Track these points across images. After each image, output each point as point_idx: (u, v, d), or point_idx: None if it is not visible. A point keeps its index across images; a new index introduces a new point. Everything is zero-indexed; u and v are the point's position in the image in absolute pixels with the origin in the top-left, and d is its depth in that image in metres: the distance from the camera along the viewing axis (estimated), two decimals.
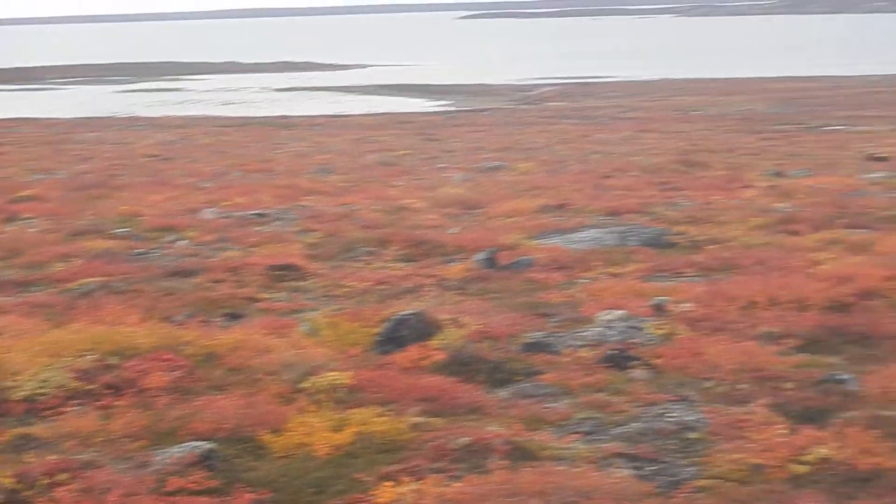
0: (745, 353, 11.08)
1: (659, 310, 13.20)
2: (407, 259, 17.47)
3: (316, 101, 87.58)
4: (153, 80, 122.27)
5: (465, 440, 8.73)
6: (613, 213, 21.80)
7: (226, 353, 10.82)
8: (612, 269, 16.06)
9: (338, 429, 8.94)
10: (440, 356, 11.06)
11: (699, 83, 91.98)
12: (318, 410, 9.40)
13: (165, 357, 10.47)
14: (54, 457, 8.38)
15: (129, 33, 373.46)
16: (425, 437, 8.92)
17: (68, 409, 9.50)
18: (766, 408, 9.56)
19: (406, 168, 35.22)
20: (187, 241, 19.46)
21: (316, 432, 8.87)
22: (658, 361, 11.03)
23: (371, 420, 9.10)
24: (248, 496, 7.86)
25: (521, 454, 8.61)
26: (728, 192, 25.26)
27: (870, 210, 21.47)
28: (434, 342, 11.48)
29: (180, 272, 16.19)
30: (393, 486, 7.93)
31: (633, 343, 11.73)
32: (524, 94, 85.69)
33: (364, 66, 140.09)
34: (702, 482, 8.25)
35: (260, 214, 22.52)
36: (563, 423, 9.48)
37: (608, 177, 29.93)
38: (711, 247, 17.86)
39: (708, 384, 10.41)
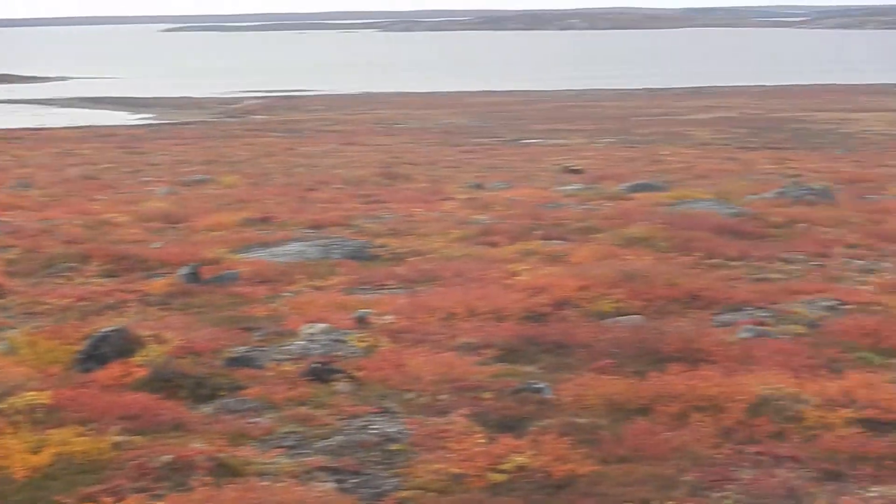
0: (446, 364, 11.23)
1: (361, 322, 13.27)
2: (109, 274, 17.09)
3: (15, 114, 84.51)
4: None
5: (167, 458, 8.63)
6: (317, 225, 21.86)
7: None
8: (315, 283, 16.08)
9: (36, 450, 8.70)
10: (142, 373, 10.85)
11: (401, 97, 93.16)
12: (15, 432, 9.13)
13: None
14: None
15: None
16: (127, 455, 8.77)
17: None
18: (465, 418, 9.72)
19: (109, 182, 34.44)
20: None
21: (13, 454, 8.61)
22: (361, 374, 11.07)
23: (71, 440, 8.90)
24: None
25: (224, 470, 8.55)
26: (429, 204, 25.66)
27: (564, 222, 22.07)
28: (136, 359, 11.26)
29: None
30: None
31: (337, 356, 11.76)
32: (228, 108, 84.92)
33: (65, 79, 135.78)
34: (404, 493, 8.37)
35: None
36: (267, 437, 9.46)
37: (312, 189, 30.03)
38: (413, 259, 18.05)
39: (409, 395, 10.51)
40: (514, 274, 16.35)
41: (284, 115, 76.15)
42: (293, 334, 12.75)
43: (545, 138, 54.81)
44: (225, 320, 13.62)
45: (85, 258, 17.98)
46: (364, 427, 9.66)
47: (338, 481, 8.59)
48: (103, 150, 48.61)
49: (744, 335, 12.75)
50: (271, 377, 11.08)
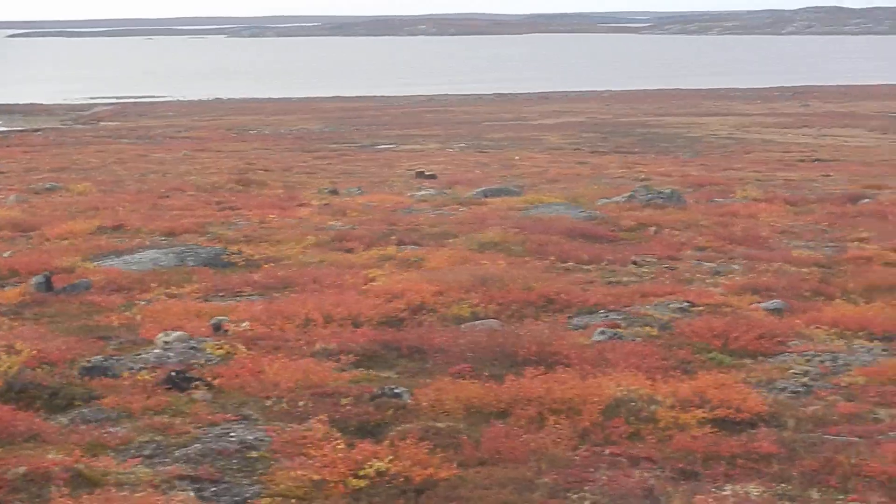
0: (304, 371, 11.21)
1: (218, 330, 13.20)
2: None
3: None
4: None
5: (22, 469, 8.49)
6: (171, 233, 21.60)
7: None
8: (170, 290, 15.90)
9: None
10: None
11: (253, 103, 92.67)
12: None
13: None
14: None
15: None
16: None
17: None
18: (324, 424, 9.71)
19: None
20: None
21: None
22: (218, 381, 11.01)
23: None
24: None
25: (82, 481, 8.46)
26: (284, 210, 25.52)
27: (419, 227, 22.21)
28: None
29: None
30: None
31: (194, 364, 11.69)
32: (78, 114, 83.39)
33: None
34: (264, 501, 8.36)
35: None
36: (125, 447, 9.36)
37: (165, 196, 29.64)
38: (269, 265, 17.93)
39: (268, 402, 10.47)
40: (371, 279, 16.41)
41: (135, 121, 75.14)
42: (149, 343, 12.63)
43: (398, 143, 54.98)
44: (79, 329, 13.41)
45: None
46: (223, 435, 9.60)
47: (197, 490, 8.52)
48: None
49: (598, 338, 12.95)
50: (128, 386, 10.94)
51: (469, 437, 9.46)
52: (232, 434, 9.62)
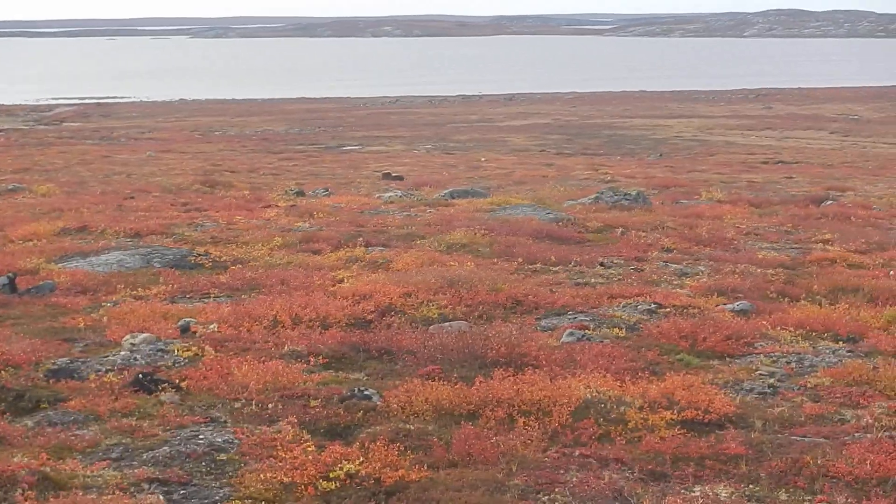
0: (272, 373, 11.18)
1: (185, 331, 13.16)
2: None
3: None
4: None
5: None
6: (136, 234, 21.48)
7: None
8: (137, 292, 15.84)
9: None
10: None
11: (217, 104, 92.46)
12: None
13: None
14: None
15: None
16: None
17: None
18: (294, 426, 9.72)
19: None
20: None
21: None
22: (186, 383, 10.97)
23: None
24: None
25: (48, 485, 8.40)
26: (251, 211, 25.45)
27: (387, 228, 22.23)
28: None
29: None
30: None
31: (161, 366, 11.66)
32: (40, 115, 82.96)
33: None
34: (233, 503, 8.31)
35: None
36: (92, 450, 9.31)
37: (130, 198, 29.52)
38: (236, 267, 17.89)
39: (237, 404, 10.43)
40: (339, 281, 16.41)
41: (98, 122, 74.87)
42: (115, 345, 12.59)
43: (364, 145, 54.99)
44: (44, 331, 13.32)
45: None
46: (191, 437, 9.56)
47: (166, 493, 8.49)
48: None
49: (567, 339, 13.01)
50: (94, 388, 10.87)
51: (439, 438, 9.48)
52: (200, 436, 9.58)
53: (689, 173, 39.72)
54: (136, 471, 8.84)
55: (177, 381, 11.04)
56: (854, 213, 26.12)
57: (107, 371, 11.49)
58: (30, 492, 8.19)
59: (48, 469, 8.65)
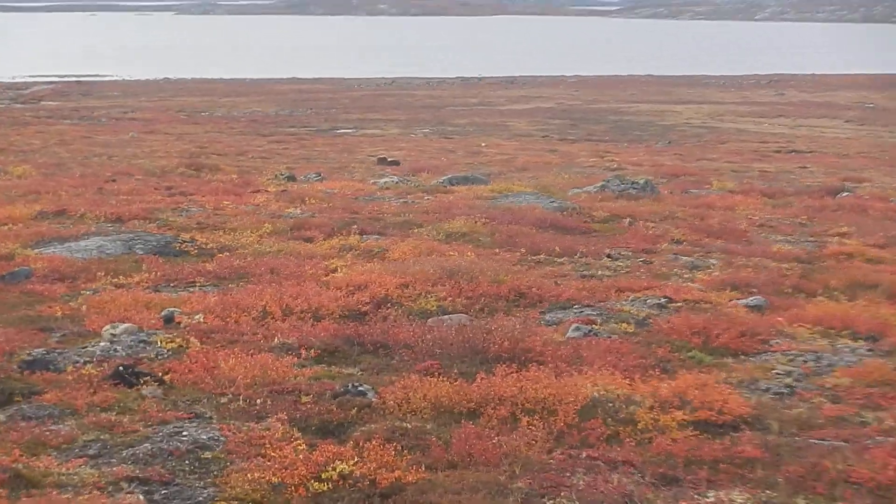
0: (261, 366, 10.97)
1: (169, 322, 12.96)
2: None
3: None
4: None
5: None
6: (118, 219, 21.09)
7: None
8: (118, 280, 15.52)
9: None
10: None
11: (204, 84, 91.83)
12: None
13: None
14: None
15: None
16: None
17: None
18: (284, 423, 9.52)
19: None
20: None
21: None
22: (170, 377, 10.76)
23: None
24: None
25: (21, 482, 8.28)
26: (239, 196, 25.11)
27: (382, 215, 21.97)
28: None
29: None
30: None
31: (143, 358, 11.47)
32: (17, 93, 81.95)
33: None
34: None
35: None
36: (68, 446, 9.11)
37: (112, 181, 29.05)
38: (223, 254, 17.61)
39: (223, 399, 10.20)
40: (332, 270, 16.15)
41: (78, 101, 73.98)
42: (95, 335, 12.36)
43: (358, 128, 54.77)
44: (19, 320, 13.03)
45: None
46: (174, 434, 9.34)
47: (146, 493, 8.26)
48: None
49: (573, 334, 12.76)
50: (72, 381, 10.62)
51: (438, 438, 9.29)
52: (184, 433, 9.37)
53: (699, 161, 39.54)
54: (114, 469, 8.62)
55: (159, 374, 10.79)
56: (871, 206, 25.97)
57: (85, 363, 11.23)
58: (1, 490, 8.00)
59: (21, 466, 8.49)
